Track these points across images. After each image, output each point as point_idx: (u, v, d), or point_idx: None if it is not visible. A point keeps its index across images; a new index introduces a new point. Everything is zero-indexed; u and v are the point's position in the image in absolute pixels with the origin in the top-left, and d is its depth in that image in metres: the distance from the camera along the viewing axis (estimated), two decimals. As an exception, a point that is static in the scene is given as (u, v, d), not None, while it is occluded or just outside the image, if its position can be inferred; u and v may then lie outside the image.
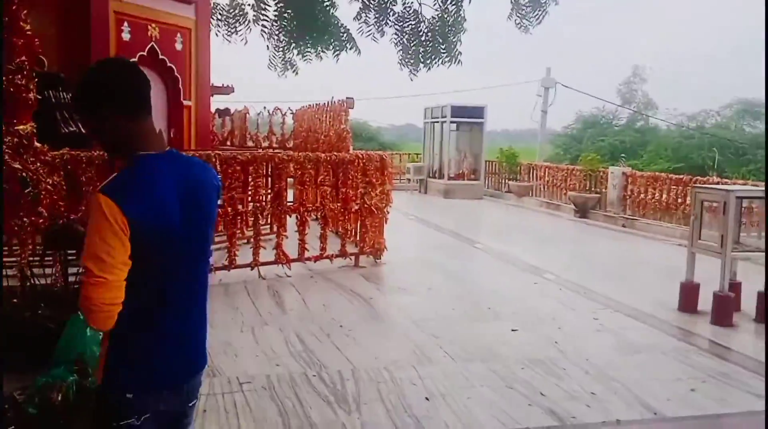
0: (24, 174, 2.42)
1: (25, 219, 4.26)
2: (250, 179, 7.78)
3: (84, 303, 1.67)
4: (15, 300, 3.15)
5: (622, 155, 20.24)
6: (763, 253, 6.00)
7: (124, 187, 1.71)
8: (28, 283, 3.86)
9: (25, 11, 2.49)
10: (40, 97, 3.73)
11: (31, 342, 3.03)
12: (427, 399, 4.11)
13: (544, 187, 17.42)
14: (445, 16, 12.27)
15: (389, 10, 12.41)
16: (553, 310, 6.40)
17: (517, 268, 8.63)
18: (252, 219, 7.50)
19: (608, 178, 14.56)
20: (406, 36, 12.55)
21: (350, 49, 12.60)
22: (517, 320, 5.98)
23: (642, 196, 13.49)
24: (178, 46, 10.08)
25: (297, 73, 13.47)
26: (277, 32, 12.72)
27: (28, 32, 2.53)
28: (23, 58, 2.67)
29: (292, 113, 14.10)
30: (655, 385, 4.46)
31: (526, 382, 4.43)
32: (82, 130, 5.87)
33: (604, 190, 14.78)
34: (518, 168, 18.84)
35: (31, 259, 4.60)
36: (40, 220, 4.20)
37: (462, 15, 12.16)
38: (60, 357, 2.65)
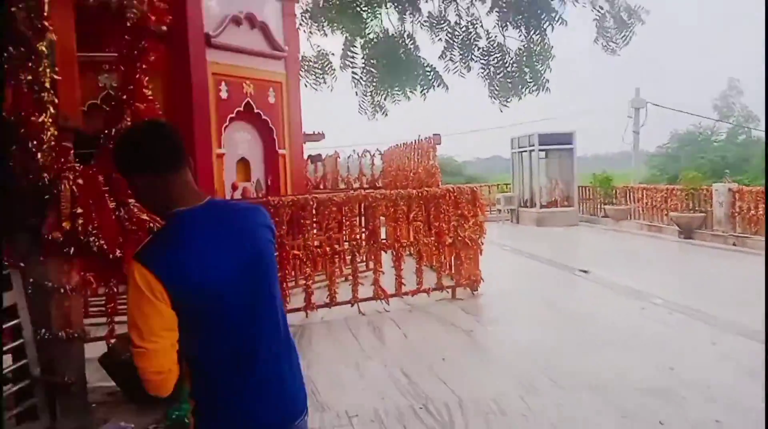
0: (151, 225, 2.66)
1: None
2: (344, 219, 7.99)
3: (137, 372, 1.67)
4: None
5: (726, 171, 19.15)
6: None
7: (157, 251, 1.68)
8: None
9: (147, 78, 2.78)
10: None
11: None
12: (537, 430, 4.03)
13: (642, 210, 16.74)
14: (531, 45, 12.27)
15: (473, 46, 12.57)
16: (664, 336, 6.11)
17: (621, 294, 8.31)
18: (349, 257, 7.69)
19: (713, 196, 13.82)
20: (492, 69, 12.64)
21: (438, 86, 12.82)
22: (626, 347, 5.75)
23: (752, 212, 12.69)
24: (271, 100, 10.62)
25: (386, 115, 13.80)
26: (365, 78, 13.15)
27: (150, 97, 2.80)
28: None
29: (380, 154, 14.41)
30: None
31: (642, 411, 4.24)
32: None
33: (709, 208, 14.02)
34: (613, 192, 18.23)
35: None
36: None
37: (547, 42, 12.13)
38: (187, 391, 2.82)
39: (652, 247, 13.53)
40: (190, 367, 1.78)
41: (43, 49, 2.38)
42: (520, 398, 4.57)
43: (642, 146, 27.65)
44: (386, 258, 7.88)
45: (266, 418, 1.82)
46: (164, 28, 3.13)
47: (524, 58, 12.37)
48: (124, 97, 2.84)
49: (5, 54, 2.40)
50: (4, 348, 2.52)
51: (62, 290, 2.56)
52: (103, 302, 6.30)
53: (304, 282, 7.36)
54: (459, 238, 8.13)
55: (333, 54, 13.40)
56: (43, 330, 2.55)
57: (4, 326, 2.51)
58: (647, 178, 29.24)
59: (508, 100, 12.70)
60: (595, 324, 6.67)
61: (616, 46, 11.99)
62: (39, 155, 2.28)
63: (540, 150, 18.95)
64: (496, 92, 12.70)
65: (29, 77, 2.43)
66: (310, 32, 13.19)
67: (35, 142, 2.28)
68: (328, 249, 7.34)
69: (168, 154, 1.76)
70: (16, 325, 2.51)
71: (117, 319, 5.97)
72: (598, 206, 18.84)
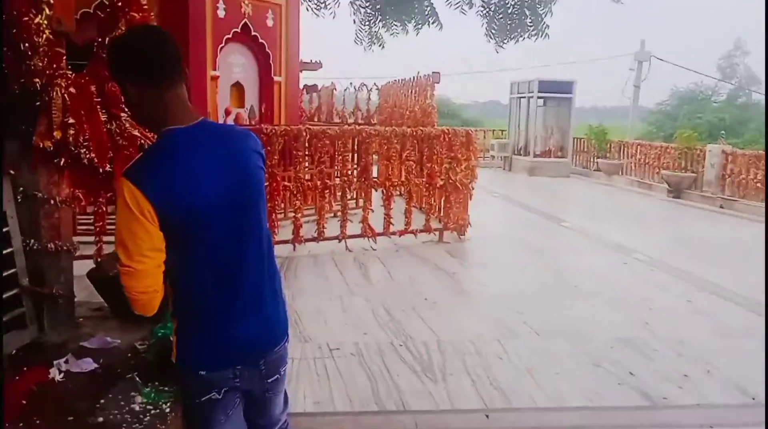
0: (142, 141, 2.61)
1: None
2: (337, 154, 7.93)
3: (124, 290, 1.67)
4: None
5: (722, 133, 19.09)
6: None
7: (147, 169, 1.63)
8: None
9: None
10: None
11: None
12: (514, 373, 4.14)
13: (635, 166, 16.76)
14: None
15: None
16: (643, 291, 6.23)
17: (605, 247, 8.42)
18: (339, 193, 7.68)
19: (706, 157, 13.85)
20: (493, 8, 12.30)
21: (432, 23, 12.48)
22: (605, 299, 5.87)
23: (743, 176, 12.75)
24: (270, 22, 10.32)
25: (383, 47, 13.48)
26: (363, 5, 12.75)
27: (145, 7, 2.70)
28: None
29: (377, 89, 14.20)
30: (752, 369, 4.29)
31: (614, 362, 4.36)
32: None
33: (701, 169, 14.08)
34: (608, 146, 18.19)
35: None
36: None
37: None
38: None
39: (641, 203, 13.63)
40: (174, 286, 1.78)
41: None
42: (497, 341, 4.68)
43: (641, 102, 27.41)
44: (376, 196, 7.88)
45: (246, 341, 1.83)
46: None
47: (527, 1, 12.03)
48: (119, 4, 2.72)
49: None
50: (-8, 256, 2.51)
51: (52, 201, 2.53)
52: (92, 220, 6.29)
53: (293, 214, 7.37)
54: (450, 181, 8.12)
55: None
56: (32, 240, 2.53)
57: (-9, 234, 2.49)
58: (643, 135, 29.19)
59: (505, 41, 12.40)
60: (576, 275, 6.78)
61: None
62: (32, 58, 2.20)
63: (539, 97, 18.74)
64: (493, 33, 12.39)
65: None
66: None
67: (28, 45, 2.19)
68: (318, 183, 7.31)
69: (165, 65, 1.68)
70: (5, 234, 2.49)
71: (105, 238, 5.97)
72: (592, 159, 18.83)
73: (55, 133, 2.29)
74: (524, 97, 19.20)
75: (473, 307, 5.65)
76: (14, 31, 2.16)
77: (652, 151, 16.11)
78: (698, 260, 7.67)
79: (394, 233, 7.81)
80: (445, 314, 5.32)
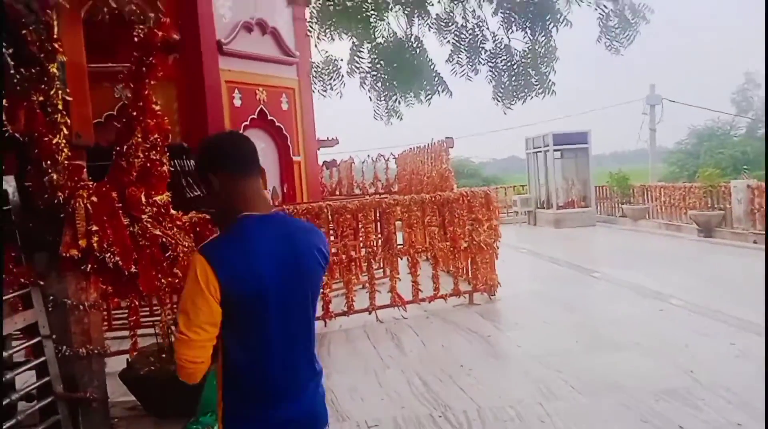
0: (164, 240, 2.69)
1: (163, 281, 4.66)
2: (360, 226, 8.01)
3: (175, 356, 1.79)
4: (164, 355, 3.44)
5: (745, 167, 18.88)
6: None
7: (221, 250, 1.78)
8: (172, 339, 4.19)
9: (154, 93, 2.82)
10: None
11: (178, 392, 3.28)
12: (557, 436, 4.00)
13: (661, 209, 16.57)
14: (536, 47, 12.20)
15: (480, 49, 12.51)
16: (683, 337, 6.05)
17: (640, 295, 8.24)
18: (365, 264, 7.70)
19: (732, 193, 13.65)
20: (498, 71, 12.58)
21: (442, 92, 12.77)
22: (645, 349, 5.71)
23: (773, 208, 12.51)
24: (284, 106, 10.69)
25: (401, 119, 13.79)
26: (374, 83, 13.14)
27: (158, 112, 2.84)
28: (156, 135, 2.99)
29: (394, 158, 14.44)
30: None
31: (661, 415, 4.20)
32: (205, 193, 6.31)
33: (728, 205, 13.85)
34: (631, 191, 18.07)
35: (170, 317, 5.00)
36: (176, 280, 4.56)
37: (552, 44, 12.05)
38: (205, 405, 2.86)
39: (671, 246, 13.40)
40: (224, 364, 1.87)
41: (55, 70, 2.43)
42: (539, 404, 4.55)
43: (660, 143, 27.39)
44: (402, 264, 7.88)
45: (291, 424, 1.90)
46: (176, 37, 3.17)
47: (529, 60, 12.28)
48: (134, 113, 2.88)
49: (18, 76, 2.45)
50: (28, 366, 2.56)
51: (81, 307, 2.60)
52: (126, 315, 6.37)
53: (321, 290, 7.38)
54: (474, 242, 8.11)
55: (342, 59, 13.42)
56: (64, 347, 2.59)
57: (27, 344, 2.55)
58: (667, 176, 28.97)
59: (513, 103, 12.60)
60: (613, 326, 6.62)
61: (620, 45, 11.85)
62: (53, 175, 2.32)
63: (555, 150, 18.82)
64: (500, 95, 12.62)
65: (41, 98, 2.48)
66: (318, 38, 13.22)
67: (49, 162, 2.32)
68: (344, 256, 7.36)
69: (246, 158, 1.92)
70: (38, 343, 2.55)
71: (140, 332, 6.02)
72: (616, 206, 18.69)
73: (80, 242, 2.38)
74: (540, 151, 19.31)
75: (511, 370, 5.53)
76: (36, 150, 2.28)
77: (676, 192, 15.95)
78: (737, 300, 7.45)
79: (423, 300, 7.75)
80: (482, 380, 5.20)
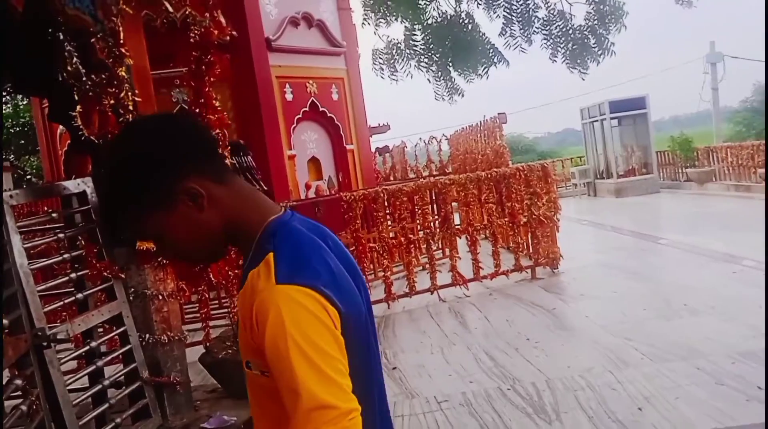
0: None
1: (230, 273, 4.85)
2: (416, 208, 8.06)
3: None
4: (238, 339, 3.58)
5: (818, 119, 17.87)
6: None
7: (313, 266, 1.15)
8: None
9: (214, 89, 2.96)
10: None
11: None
12: (631, 403, 3.98)
13: (728, 170, 15.91)
14: (601, 7, 11.90)
15: (533, 18, 12.34)
16: (759, 299, 5.84)
17: (710, 259, 7.99)
18: (424, 245, 7.77)
19: (805, 148, 13.00)
20: (553, 38, 12.37)
21: (499, 63, 12.66)
22: (718, 313, 5.56)
23: None
24: (335, 96, 10.81)
25: (463, 96, 13.76)
26: (428, 64, 13.17)
27: (219, 108, 2.97)
28: (217, 130, 3.13)
29: (446, 139, 14.38)
30: None
31: (739, 377, 4.11)
32: (263, 187, 6.51)
33: (802, 161, 13.19)
34: (695, 154, 17.41)
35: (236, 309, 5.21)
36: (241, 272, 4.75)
37: (618, 1, 11.73)
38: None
39: (741, 207, 12.87)
40: None
41: (123, 74, 2.58)
42: (609, 372, 4.52)
43: (724, 102, 26.23)
44: (461, 243, 7.90)
45: None
46: (227, 38, 3.30)
47: (596, 22, 11.99)
48: (197, 110, 3.02)
49: (89, 82, 2.62)
50: (116, 354, 2.75)
51: (160, 297, 2.77)
52: (197, 309, 6.66)
53: (382, 274, 7.50)
54: (533, 216, 8.05)
55: (400, 43, 13.49)
56: (147, 335, 2.76)
57: (113, 334, 2.73)
58: (733, 136, 27.70)
59: (587, 67, 12.37)
60: (684, 292, 6.46)
61: None
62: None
63: (612, 118, 18.31)
64: (573, 62, 12.38)
65: (112, 101, 2.63)
66: (377, 24, 13.31)
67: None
68: (402, 239, 7.44)
69: (216, 145, 1.35)
70: (123, 333, 2.73)
71: (211, 323, 6.28)
72: (680, 171, 18.05)
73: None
74: (597, 120, 18.82)
75: (578, 341, 5.49)
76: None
77: (743, 151, 15.26)
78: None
79: (485, 277, 7.76)
80: (549, 352, 5.20)
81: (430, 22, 12.85)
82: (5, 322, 1.91)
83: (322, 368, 1.06)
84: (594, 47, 12.20)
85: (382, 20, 13.25)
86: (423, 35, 12.83)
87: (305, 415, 1.04)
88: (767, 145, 11.69)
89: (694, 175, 16.86)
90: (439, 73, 13.28)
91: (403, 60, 13.55)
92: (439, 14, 12.88)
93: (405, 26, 13.03)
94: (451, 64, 12.97)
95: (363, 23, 12.94)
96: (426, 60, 13.12)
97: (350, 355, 1.14)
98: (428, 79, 13.42)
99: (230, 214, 1.22)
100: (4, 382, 1.86)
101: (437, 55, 13.00)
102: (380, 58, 13.59)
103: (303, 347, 1.06)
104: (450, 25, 12.63)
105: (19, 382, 1.92)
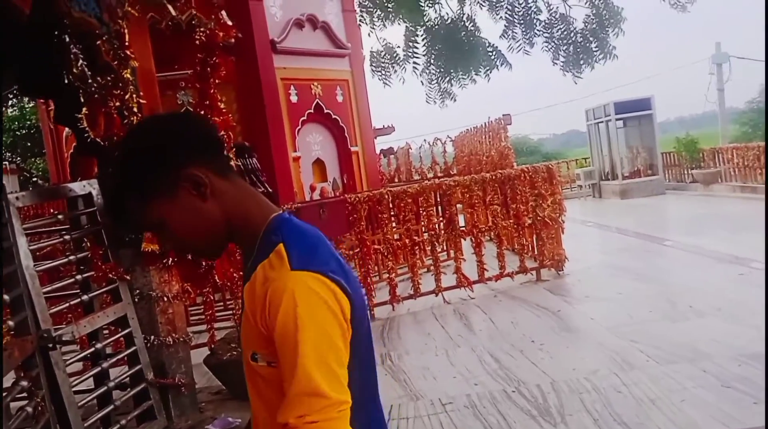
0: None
1: (235, 274, 4.86)
2: (421, 210, 8.06)
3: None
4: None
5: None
6: None
7: (322, 255, 1.19)
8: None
9: (219, 91, 2.97)
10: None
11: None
12: (637, 406, 3.96)
13: (734, 171, 15.84)
14: (600, 11, 11.92)
15: (534, 20, 12.35)
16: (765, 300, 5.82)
17: (717, 260, 7.96)
18: (429, 247, 7.76)
19: (811, 149, 12.94)
20: (555, 41, 12.38)
21: (501, 65, 12.67)
22: (725, 315, 5.54)
23: None
24: (339, 98, 10.82)
25: (455, 101, 13.78)
26: (428, 67, 13.18)
27: (223, 110, 2.98)
28: (222, 132, 3.13)
29: (451, 140, 14.36)
30: None
31: (745, 380, 4.09)
32: (268, 189, 6.51)
33: (808, 163, 13.14)
34: (700, 155, 17.34)
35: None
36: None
37: (616, 6, 11.74)
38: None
39: (747, 208, 12.81)
40: None
41: (128, 76, 2.59)
42: (614, 374, 4.51)
43: (730, 103, 26.09)
44: (466, 245, 7.89)
45: None
46: (232, 40, 3.31)
47: (595, 26, 12.01)
48: (202, 112, 3.03)
49: (95, 84, 2.63)
50: (121, 355, 2.76)
51: (165, 298, 2.77)
52: (202, 310, 6.66)
53: (387, 275, 7.49)
54: (538, 218, 8.03)
55: (399, 46, 13.53)
56: (152, 336, 2.77)
57: (118, 336, 2.74)
58: (739, 137, 27.56)
59: (581, 71, 12.39)
60: (690, 294, 6.44)
61: (686, 0, 11.44)
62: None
63: (617, 119, 18.25)
64: (561, 65, 12.42)
65: (118, 104, 2.65)
66: (372, 27, 13.35)
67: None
68: (407, 241, 7.44)
69: (221, 143, 1.38)
70: (127, 334, 2.73)
71: (216, 325, 6.29)
72: (685, 172, 17.99)
73: (160, 236, 2.54)
74: (602, 122, 18.77)
75: (584, 343, 5.47)
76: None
77: (749, 152, 15.20)
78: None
79: (489, 279, 7.75)
80: (555, 354, 5.18)
81: (431, 24, 12.86)
82: (11, 323, 1.92)
83: (324, 355, 1.10)
84: (596, 51, 12.21)
85: (378, 23, 13.31)
86: (423, 38, 12.86)
87: (298, 398, 1.08)
88: (767, 147, 11.62)
89: (700, 177, 16.80)
90: (437, 76, 13.31)
91: (397, 64, 13.61)
92: (439, 17, 12.91)
93: (406, 27, 13.05)
94: (450, 66, 12.99)
95: (359, 25, 12.95)
96: (423, 63, 13.16)
97: (358, 343, 1.18)
98: (422, 82, 13.44)
99: (233, 209, 1.24)
100: (10, 384, 1.87)
101: (436, 58, 13.03)
102: (376, 61, 13.64)
103: (311, 331, 1.09)
104: (451, 27, 12.66)
105: (24, 383, 1.92)
